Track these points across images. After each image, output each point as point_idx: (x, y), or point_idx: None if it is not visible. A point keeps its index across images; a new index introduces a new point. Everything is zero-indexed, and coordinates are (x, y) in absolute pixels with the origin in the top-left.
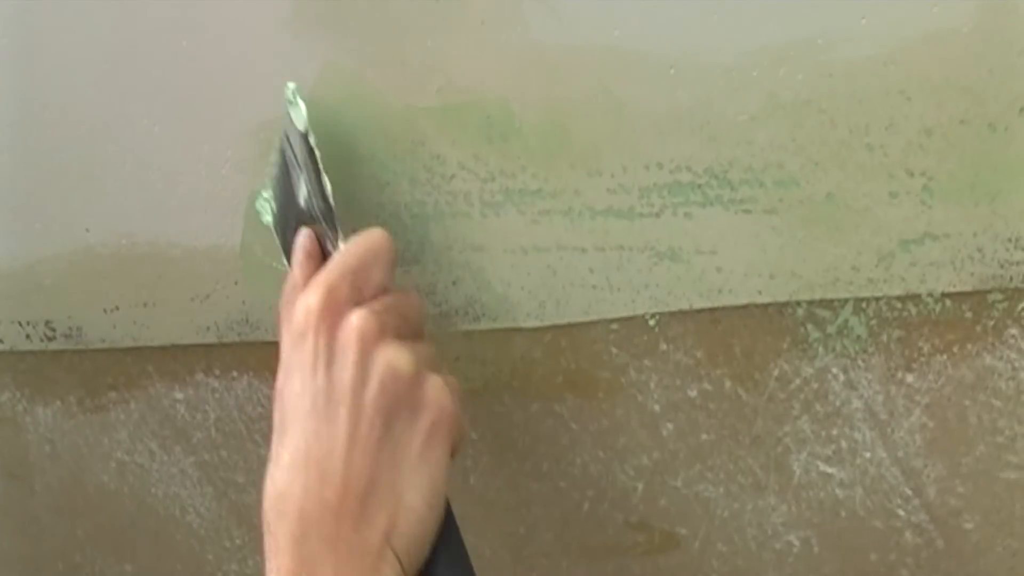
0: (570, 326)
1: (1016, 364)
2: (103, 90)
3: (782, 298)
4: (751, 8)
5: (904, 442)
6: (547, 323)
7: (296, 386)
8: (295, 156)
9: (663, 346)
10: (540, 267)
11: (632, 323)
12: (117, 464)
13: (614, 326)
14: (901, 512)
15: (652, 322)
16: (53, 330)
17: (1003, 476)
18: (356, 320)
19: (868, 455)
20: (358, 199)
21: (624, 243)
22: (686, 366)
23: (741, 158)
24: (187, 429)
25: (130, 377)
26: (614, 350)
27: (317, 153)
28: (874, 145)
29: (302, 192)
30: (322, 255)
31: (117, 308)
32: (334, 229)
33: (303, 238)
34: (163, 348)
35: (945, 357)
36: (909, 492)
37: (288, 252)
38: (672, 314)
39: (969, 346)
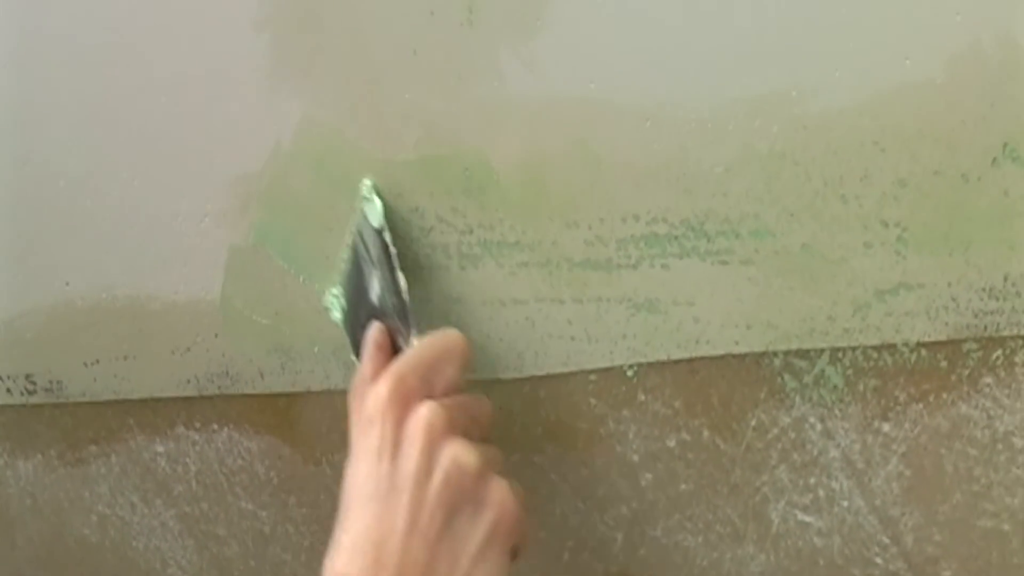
0: (549, 377)
1: (991, 413)
2: (82, 144)
3: (759, 348)
4: (726, 61)
5: (881, 490)
6: (526, 374)
7: (361, 472)
8: (368, 252)
9: (641, 396)
10: (518, 319)
11: (610, 374)
12: (98, 517)
13: (593, 377)
14: (879, 560)
15: (630, 373)
16: (34, 384)
17: (980, 524)
18: (425, 411)
19: (846, 504)
20: (336, 253)
21: (602, 294)
22: (664, 416)
23: (717, 209)
24: (168, 482)
25: (111, 430)
26: (593, 401)
27: (392, 250)
28: (848, 196)
29: (374, 288)
30: (393, 350)
31: (97, 361)
32: (407, 325)
33: (375, 331)
34: (143, 401)
35: (921, 406)
36: (887, 540)
37: (357, 347)
38: (650, 365)
39: (944, 395)
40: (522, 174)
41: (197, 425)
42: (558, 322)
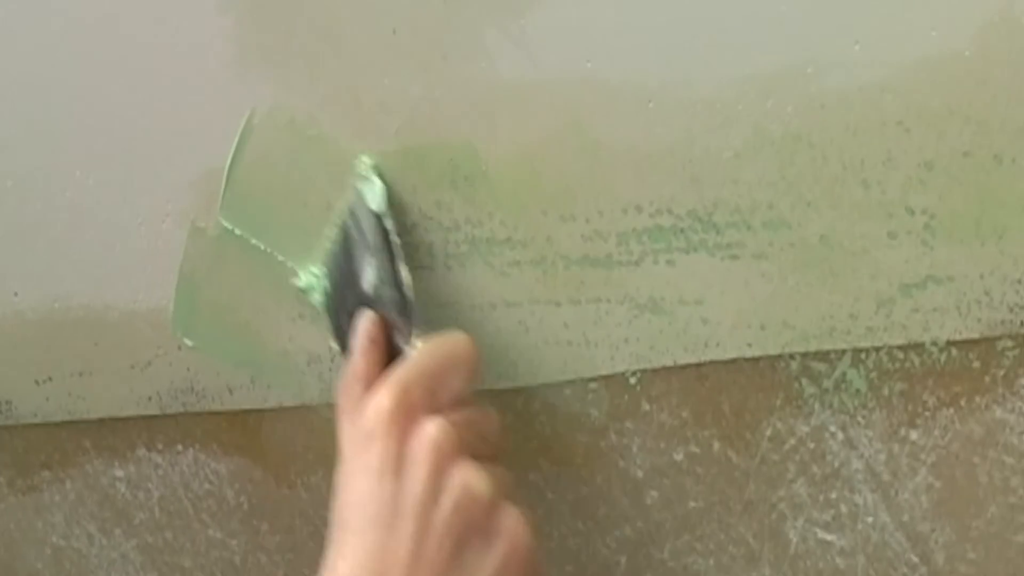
0: (545, 387)
1: None
2: (31, 140)
3: (774, 351)
4: (735, 35)
5: (909, 505)
6: (520, 384)
7: (359, 491)
8: (364, 236)
9: (646, 406)
10: (511, 323)
11: (612, 382)
12: (52, 550)
13: (592, 385)
14: None
15: (633, 380)
16: None
17: (1017, 539)
18: (433, 430)
19: (870, 520)
20: (313, 228)
21: (601, 295)
22: (671, 427)
23: (727, 199)
24: (128, 510)
25: (65, 454)
26: (593, 412)
27: (394, 239)
28: (870, 181)
29: (368, 276)
30: (387, 346)
31: (50, 379)
32: (408, 323)
33: (369, 323)
34: (101, 421)
35: (952, 411)
36: (915, 559)
37: (341, 336)
38: (655, 371)
39: (977, 398)
40: (513, 164)
41: (160, 446)
42: (554, 326)
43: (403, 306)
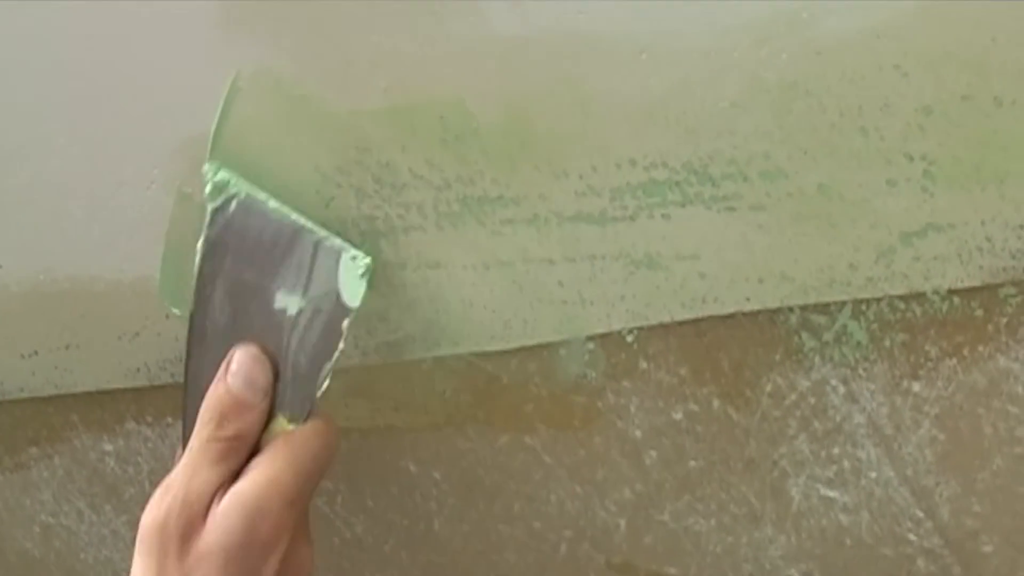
0: (540, 347)
1: None
2: (11, 107)
3: (773, 304)
4: None
5: (913, 459)
6: (514, 345)
7: None
8: (318, 283)
9: (643, 364)
10: (504, 283)
11: (608, 340)
12: (41, 528)
13: (589, 345)
14: (912, 537)
15: (630, 338)
16: None
17: (1023, 491)
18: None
19: (874, 475)
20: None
21: (596, 252)
22: (669, 386)
23: (723, 150)
24: (118, 485)
25: (53, 429)
26: (589, 372)
27: (341, 345)
28: (868, 128)
29: (291, 306)
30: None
31: (36, 353)
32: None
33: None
34: (89, 395)
35: (955, 361)
36: (920, 514)
37: (204, 306)
38: (652, 328)
39: (981, 348)
40: (504, 120)
41: (149, 419)
42: (548, 285)
43: (305, 388)
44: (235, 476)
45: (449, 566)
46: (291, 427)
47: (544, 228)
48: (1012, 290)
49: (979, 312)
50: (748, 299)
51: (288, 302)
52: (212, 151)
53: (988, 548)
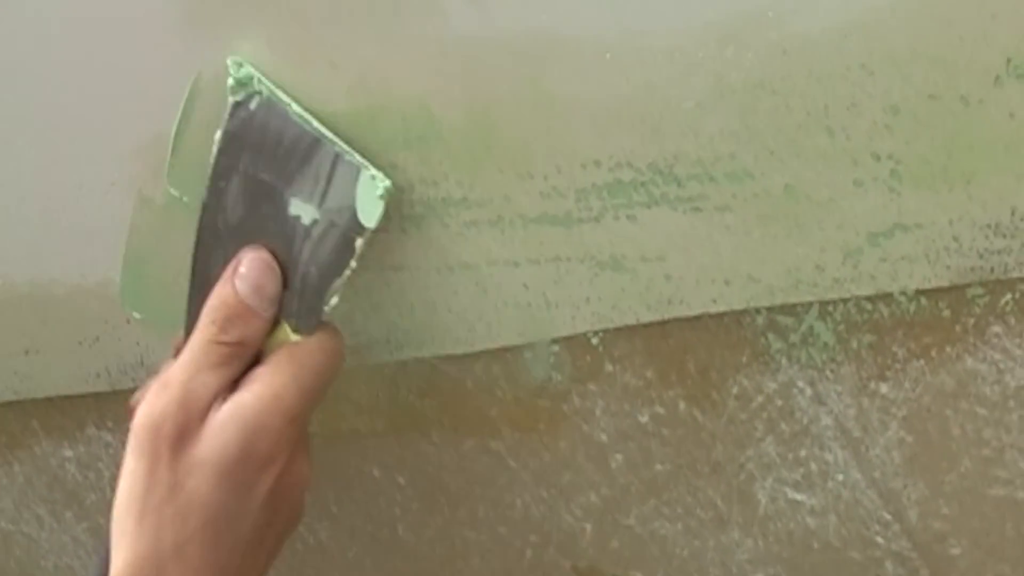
0: (504, 351)
1: (1001, 366)
2: None
3: (739, 306)
4: None
5: (880, 461)
6: (478, 348)
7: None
8: (334, 197)
9: (609, 367)
10: (468, 286)
11: (573, 343)
12: (1, 536)
13: (554, 348)
14: (880, 540)
15: (595, 340)
16: None
17: (991, 493)
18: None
19: (841, 478)
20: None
21: (561, 253)
22: (635, 388)
23: (688, 151)
24: (79, 491)
25: (12, 436)
26: (554, 375)
27: (354, 260)
28: (835, 128)
29: (305, 215)
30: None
31: None
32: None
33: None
34: (49, 401)
35: (922, 362)
36: (888, 517)
37: (217, 199)
38: (618, 331)
39: (948, 349)
40: (468, 121)
41: (110, 424)
42: (513, 287)
43: (314, 299)
44: (234, 382)
45: (414, 572)
46: (295, 337)
47: (508, 230)
48: (980, 290)
49: (947, 313)
50: (714, 301)
51: (303, 211)
52: (172, 154)
53: (956, 551)
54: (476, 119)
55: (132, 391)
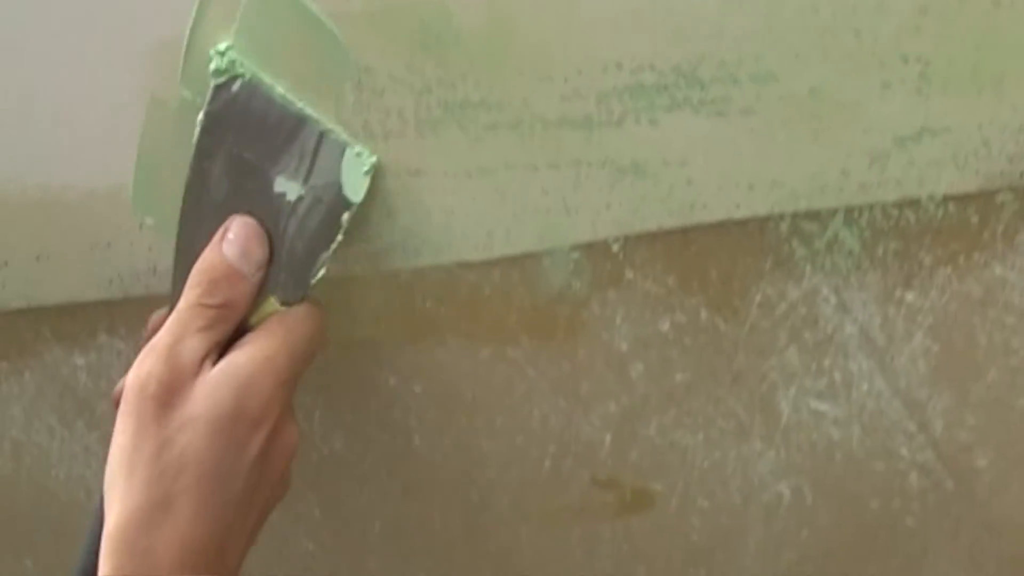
0: (523, 257)
1: None
2: None
3: (763, 211)
4: None
5: (905, 370)
6: (496, 255)
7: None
8: (320, 174)
9: (629, 274)
10: (486, 191)
11: (593, 250)
12: (12, 445)
13: (573, 254)
14: (904, 451)
15: (616, 247)
16: None
17: (1018, 404)
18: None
19: (865, 387)
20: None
21: (581, 158)
22: (656, 296)
23: (712, 52)
24: (90, 399)
25: (23, 343)
26: (574, 282)
27: (341, 234)
28: (862, 29)
29: (290, 192)
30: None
31: (6, 264)
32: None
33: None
34: (60, 307)
35: (949, 270)
36: (913, 428)
37: (201, 178)
38: (638, 237)
39: (976, 255)
40: (487, 22)
41: (122, 332)
42: (532, 192)
43: (300, 274)
44: (220, 347)
45: (429, 482)
46: (283, 310)
47: (527, 134)
48: (1009, 196)
49: (975, 219)
50: (738, 206)
51: (288, 187)
52: (186, 55)
53: (982, 462)
54: (495, 19)
55: (145, 298)
